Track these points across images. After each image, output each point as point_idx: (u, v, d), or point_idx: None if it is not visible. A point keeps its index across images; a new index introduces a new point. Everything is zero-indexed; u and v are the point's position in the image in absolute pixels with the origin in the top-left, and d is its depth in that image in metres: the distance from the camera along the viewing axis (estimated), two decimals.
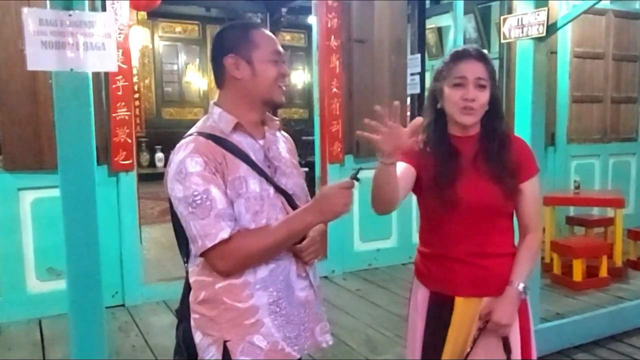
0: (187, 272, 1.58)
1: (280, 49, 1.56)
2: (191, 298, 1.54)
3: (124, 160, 4.04)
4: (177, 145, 1.48)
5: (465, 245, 1.73)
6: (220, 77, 1.56)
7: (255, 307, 1.48)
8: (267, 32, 1.56)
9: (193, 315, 1.53)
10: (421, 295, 1.85)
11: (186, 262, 1.59)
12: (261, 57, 1.51)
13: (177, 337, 1.58)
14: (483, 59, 1.72)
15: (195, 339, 1.51)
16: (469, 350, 1.73)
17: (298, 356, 1.55)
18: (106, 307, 3.37)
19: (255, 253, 1.44)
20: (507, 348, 1.73)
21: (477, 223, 1.72)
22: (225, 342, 1.47)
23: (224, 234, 1.39)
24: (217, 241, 1.39)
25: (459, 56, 1.72)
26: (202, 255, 1.44)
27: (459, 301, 1.76)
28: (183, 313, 1.57)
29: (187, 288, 1.57)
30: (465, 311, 1.76)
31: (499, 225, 1.76)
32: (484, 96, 1.69)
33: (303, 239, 1.54)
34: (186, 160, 1.42)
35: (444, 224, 1.75)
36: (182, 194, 1.41)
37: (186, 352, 1.53)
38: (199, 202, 1.39)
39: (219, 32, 1.58)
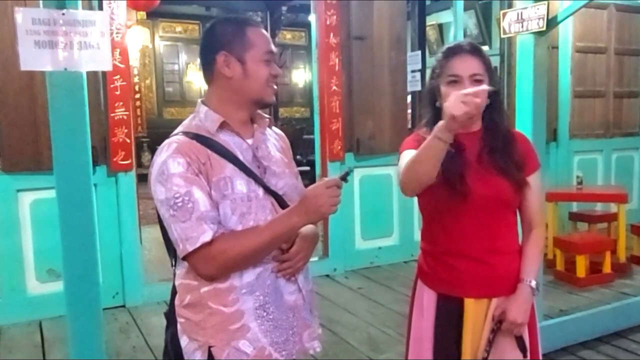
0: (174, 275, 1.55)
1: (273, 48, 1.51)
2: (176, 302, 1.50)
3: (122, 160, 4.03)
4: (161, 146, 1.44)
5: (475, 241, 1.70)
6: (209, 73, 1.50)
7: (241, 312, 1.43)
8: (262, 30, 1.51)
9: (179, 320, 1.49)
10: (427, 299, 1.80)
11: (174, 265, 1.55)
12: (254, 56, 1.46)
13: (166, 340, 1.55)
14: (476, 52, 1.68)
15: (182, 343, 1.47)
16: (486, 355, 1.68)
17: None
18: (106, 308, 3.38)
19: (238, 257, 1.39)
20: (522, 347, 1.71)
21: (487, 217, 1.69)
22: (210, 347, 1.43)
23: (206, 237, 1.35)
24: (198, 245, 1.35)
25: (451, 52, 1.69)
26: (184, 259, 1.40)
27: (469, 303, 1.71)
28: (171, 316, 1.52)
29: (174, 291, 1.53)
30: (476, 313, 1.72)
31: (506, 220, 1.74)
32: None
33: (291, 246, 1.49)
34: (168, 161, 1.38)
35: (453, 220, 1.71)
36: (163, 196, 1.37)
37: (174, 355, 1.50)
38: (180, 204, 1.35)
39: (211, 26, 1.52)
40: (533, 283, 1.69)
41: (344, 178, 1.40)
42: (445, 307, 1.75)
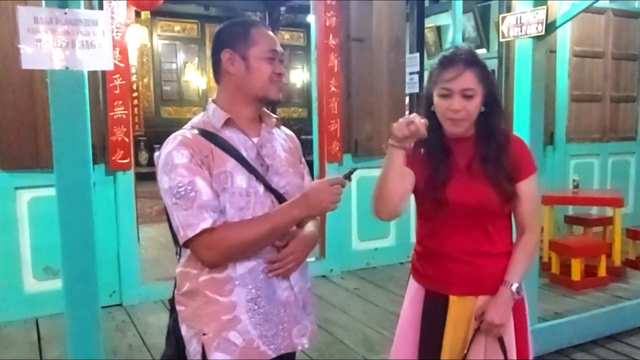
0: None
1: (279, 48, 1.57)
2: (176, 289, 1.58)
3: (121, 159, 4.03)
4: (166, 140, 1.51)
5: (457, 242, 1.73)
6: (217, 71, 1.58)
7: (234, 303, 1.49)
8: (268, 30, 1.58)
9: (178, 307, 1.56)
10: (416, 293, 1.86)
11: (178, 254, 1.61)
12: (257, 54, 1.53)
13: (168, 326, 1.62)
14: (471, 63, 1.65)
15: (182, 331, 1.55)
16: (465, 351, 1.72)
17: (273, 355, 1.55)
18: (103, 307, 3.37)
19: (239, 244, 1.44)
20: (503, 348, 1.73)
21: (471, 223, 1.71)
22: (203, 335, 1.49)
23: (205, 224, 1.40)
24: (198, 231, 1.40)
25: (447, 62, 1.66)
26: (185, 245, 1.45)
27: (453, 300, 1.76)
28: (174, 304, 1.60)
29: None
30: (460, 310, 1.76)
31: (496, 224, 1.75)
32: (471, 105, 1.65)
33: (285, 246, 1.54)
34: (173, 153, 1.44)
35: (438, 224, 1.76)
36: (167, 185, 1.44)
37: (175, 342, 1.57)
38: (182, 193, 1.41)
39: (219, 28, 1.61)
40: (514, 286, 1.71)
41: (348, 177, 1.46)
42: (431, 302, 1.81)
